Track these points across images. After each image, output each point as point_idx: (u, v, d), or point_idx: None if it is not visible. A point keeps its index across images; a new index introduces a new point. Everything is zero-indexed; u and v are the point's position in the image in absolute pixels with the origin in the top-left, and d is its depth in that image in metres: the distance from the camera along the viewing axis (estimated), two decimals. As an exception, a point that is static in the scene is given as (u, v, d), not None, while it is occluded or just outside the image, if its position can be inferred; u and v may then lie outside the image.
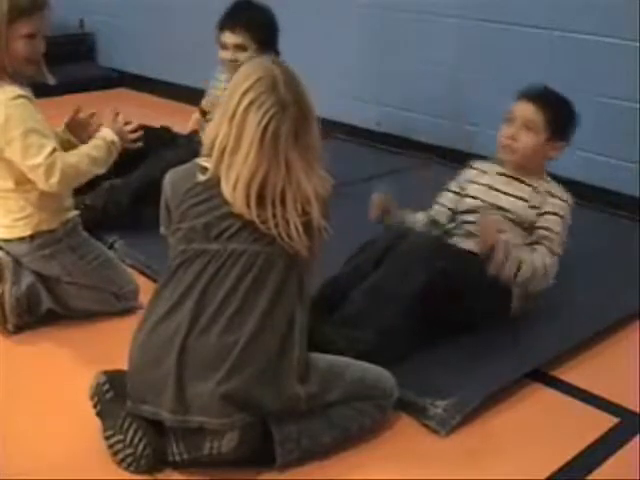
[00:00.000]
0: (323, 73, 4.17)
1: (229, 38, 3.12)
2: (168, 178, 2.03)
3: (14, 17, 2.28)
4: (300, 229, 1.86)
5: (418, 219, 2.67)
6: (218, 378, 1.80)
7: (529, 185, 2.55)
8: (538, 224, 2.50)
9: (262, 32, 3.14)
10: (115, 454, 1.88)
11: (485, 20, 3.80)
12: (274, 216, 1.85)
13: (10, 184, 2.38)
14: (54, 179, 2.29)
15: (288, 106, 1.86)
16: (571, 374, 2.32)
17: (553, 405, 2.21)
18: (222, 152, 1.87)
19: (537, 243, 2.47)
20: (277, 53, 3.08)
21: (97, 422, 1.96)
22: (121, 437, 1.86)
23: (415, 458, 1.98)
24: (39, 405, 2.14)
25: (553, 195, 2.54)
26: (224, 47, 3.15)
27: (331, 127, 4.35)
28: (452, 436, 2.05)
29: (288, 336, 1.87)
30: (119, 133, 2.49)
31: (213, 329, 1.84)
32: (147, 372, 1.88)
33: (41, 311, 2.51)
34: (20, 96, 2.31)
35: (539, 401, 2.22)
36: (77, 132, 2.57)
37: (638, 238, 3.16)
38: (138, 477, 1.87)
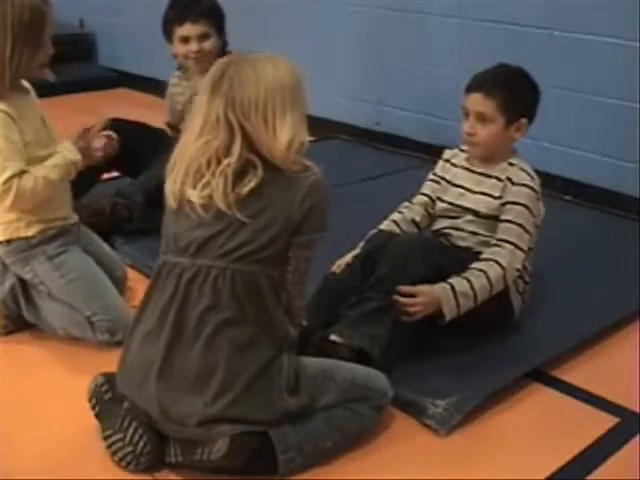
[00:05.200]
0: (323, 73, 4.18)
1: (192, 30, 3.10)
2: None
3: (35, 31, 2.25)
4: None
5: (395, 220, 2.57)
6: (205, 400, 1.80)
7: (493, 177, 2.43)
8: (501, 216, 2.37)
9: (219, 17, 3.17)
10: (114, 453, 1.88)
11: (485, 20, 3.80)
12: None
13: None
14: (6, 202, 2.28)
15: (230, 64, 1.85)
16: (571, 374, 2.32)
17: (553, 405, 2.21)
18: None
19: (498, 241, 2.34)
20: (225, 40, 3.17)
21: (95, 422, 1.96)
22: (120, 435, 1.86)
23: (415, 458, 1.98)
24: (36, 406, 2.14)
25: (514, 183, 2.37)
26: (185, 41, 3.13)
27: (331, 127, 4.37)
28: (452, 436, 2.05)
29: (275, 351, 1.84)
30: (83, 151, 2.45)
31: (194, 348, 1.82)
32: (133, 392, 1.89)
33: (24, 316, 2.45)
34: (1, 111, 2.27)
35: (539, 401, 2.22)
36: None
37: (638, 238, 3.16)
38: (137, 477, 1.86)
